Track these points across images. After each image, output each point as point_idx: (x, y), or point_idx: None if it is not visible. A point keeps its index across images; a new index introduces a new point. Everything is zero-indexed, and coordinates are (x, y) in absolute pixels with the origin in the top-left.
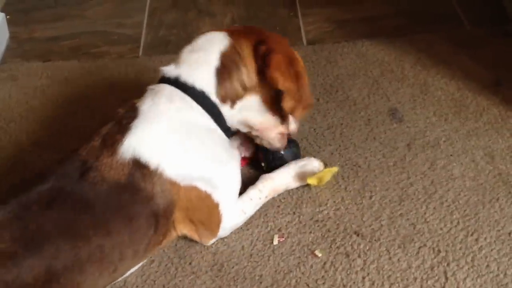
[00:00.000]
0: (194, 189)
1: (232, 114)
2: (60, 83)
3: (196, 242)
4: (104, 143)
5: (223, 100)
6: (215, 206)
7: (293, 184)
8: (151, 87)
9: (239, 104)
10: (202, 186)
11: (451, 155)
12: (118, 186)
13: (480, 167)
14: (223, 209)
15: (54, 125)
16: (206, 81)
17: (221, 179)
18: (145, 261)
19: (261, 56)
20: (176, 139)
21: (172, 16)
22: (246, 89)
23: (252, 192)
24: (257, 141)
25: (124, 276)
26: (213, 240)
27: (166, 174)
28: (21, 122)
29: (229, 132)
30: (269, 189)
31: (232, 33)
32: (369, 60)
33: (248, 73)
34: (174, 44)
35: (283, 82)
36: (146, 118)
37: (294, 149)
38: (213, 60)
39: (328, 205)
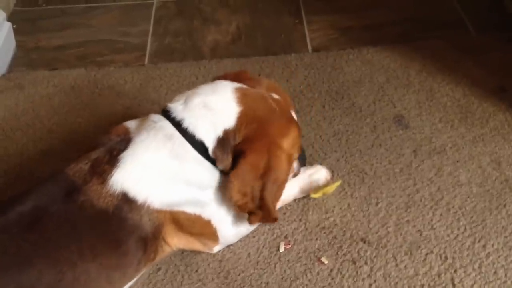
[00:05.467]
0: (182, 213)
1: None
2: (66, 92)
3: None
4: (93, 169)
5: (217, 160)
6: (207, 222)
7: (300, 194)
8: (152, 119)
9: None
10: (191, 210)
11: (457, 161)
12: (106, 214)
13: (486, 173)
14: (216, 223)
15: (60, 133)
16: (207, 140)
17: (208, 198)
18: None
19: (234, 153)
20: (164, 177)
21: (177, 24)
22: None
23: None
24: None
25: None
26: (217, 248)
27: (153, 206)
28: (28, 131)
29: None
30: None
31: (244, 113)
32: (375, 67)
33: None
34: (179, 52)
35: (236, 197)
36: (139, 150)
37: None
38: (218, 130)
39: (334, 212)
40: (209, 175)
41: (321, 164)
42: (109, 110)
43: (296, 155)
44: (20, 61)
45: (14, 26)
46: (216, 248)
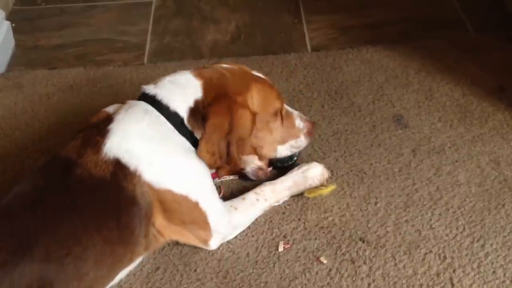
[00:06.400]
0: (169, 192)
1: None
2: (65, 91)
3: (200, 249)
4: (86, 142)
5: (194, 130)
6: (195, 204)
7: (295, 188)
8: (129, 101)
9: None
10: (177, 189)
11: (456, 161)
12: (104, 183)
13: (485, 173)
14: (205, 205)
15: (59, 132)
16: (180, 109)
17: (195, 181)
18: (135, 264)
19: (201, 116)
20: (150, 146)
21: (176, 24)
22: None
23: (247, 193)
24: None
25: (115, 281)
26: (214, 240)
27: (143, 177)
28: (27, 130)
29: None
30: (269, 192)
31: (206, 85)
32: (374, 66)
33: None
34: (179, 51)
35: (204, 151)
36: (122, 124)
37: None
38: (189, 101)
39: (333, 211)
40: (187, 143)
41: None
42: None
43: (277, 107)
44: (19, 60)
45: (13, 25)
46: (212, 243)
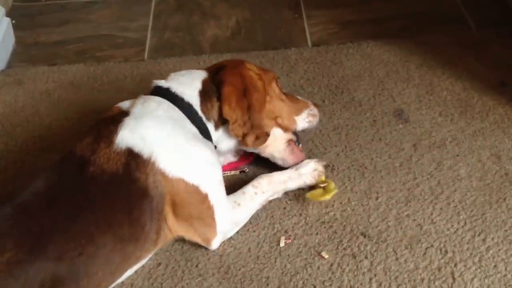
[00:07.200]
0: (182, 181)
1: (218, 136)
2: (66, 87)
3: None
4: (98, 136)
5: (207, 118)
6: (205, 197)
7: (291, 185)
8: (142, 96)
9: (222, 129)
10: (189, 179)
11: (457, 155)
12: (116, 178)
13: (486, 167)
14: (213, 198)
15: (60, 129)
16: (192, 97)
17: (207, 171)
18: (143, 262)
19: (215, 85)
20: (165, 133)
21: (177, 19)
22: (220, 118)
23: (245, 187)
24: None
25: (122, 279)
26: (216, 240)
27: (157, 164)
28: (28, 127)
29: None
30: (266, 184)
31: (208, 69)
32: (375, 61)
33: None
34: (179, 47)
35: (228, 113)
36: (137, 115)
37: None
38: (196, 83)
39: (334, 206)
40: (200, 135)
41: (320, 159)
42: (108, 106)
43: (272, 76)
44: (19, 57)
45: (13, 21)
46: (215, 242)
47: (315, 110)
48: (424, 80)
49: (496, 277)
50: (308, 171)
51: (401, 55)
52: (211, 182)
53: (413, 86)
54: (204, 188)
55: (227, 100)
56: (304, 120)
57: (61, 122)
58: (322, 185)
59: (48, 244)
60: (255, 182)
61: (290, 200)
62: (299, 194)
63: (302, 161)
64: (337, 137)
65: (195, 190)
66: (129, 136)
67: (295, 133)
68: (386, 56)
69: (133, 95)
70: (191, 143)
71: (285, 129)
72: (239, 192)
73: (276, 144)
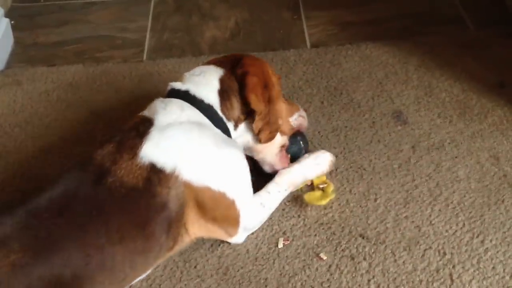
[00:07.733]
0: (207, 189)
1: (236, 136)
2: (64, 88)
3: (200, 245)
4: (121, 147)
5: (227, 118)
6: (231, 202)
7: (310, 174)
8: (160, 99)
9: (240, 127)
10: (215, 186)
11: (456, 157)
12: (135, 191)
13: (485, 169)
14: (240, 204)
15: (58, 130)
16: (212, 98)
17: (234, 176)
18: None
19: (238, 77)
20: (190, 142)
21: (176, 20)
22: (243, 113)
23: (269, 186)
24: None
25: (131, 283)
26: (241, 236)
27: (181, 177)
28: (26, 127)
29: None
30: (287, 182)
31: (220, 64)
32: (373, 63)
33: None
34: (178, 48)
35: (256, 104)
36: (162, 125)
37: (298, 144)
38: (214, 83)
39: (333, 208)
40: (223, 132)
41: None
42: (107, 106)
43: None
44: (18, 57)
45: (12, 22)
46: (239, 237)
47: (303, 113)
48: (422, 82)
49: (494, 278)
50: (326, 160)
51: (400, 56)
52: (238, 187)
53: (411, 87)
54: (231, 194)
55: (254, 90)
56: (295, 120)
57: (60, 123)
58: (321, 186)
59: (54, 251)
60: (277, 179)
61: (289, 201)
62: (297, 196)
63: (285, 168)
64: (336, 138)
65: (222, 196)
66: (153, 150)
67: (301, 133)
68: (385, 57)
69: (132, 96)
70: (220, 147)
71: (282, 132)
72: (264, 192)
73: (271, 148)
